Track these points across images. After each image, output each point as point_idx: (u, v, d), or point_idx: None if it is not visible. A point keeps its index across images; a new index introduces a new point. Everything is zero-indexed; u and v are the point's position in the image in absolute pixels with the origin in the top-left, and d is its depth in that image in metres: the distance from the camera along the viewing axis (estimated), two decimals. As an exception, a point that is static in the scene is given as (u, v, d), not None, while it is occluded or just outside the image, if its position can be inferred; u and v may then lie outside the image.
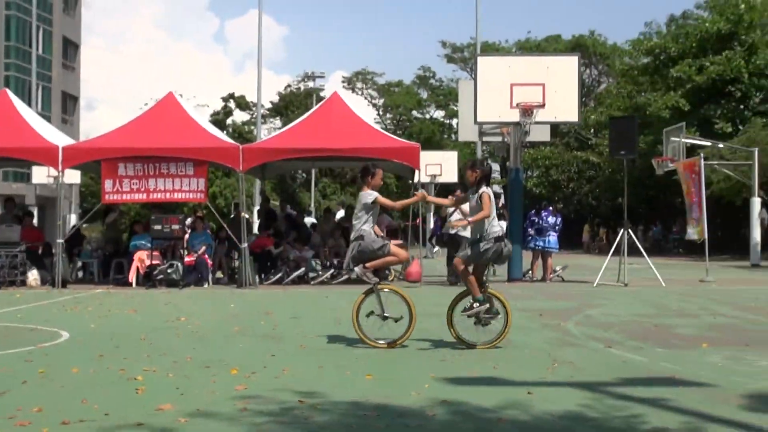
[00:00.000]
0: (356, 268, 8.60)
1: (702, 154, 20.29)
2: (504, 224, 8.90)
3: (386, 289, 8.77)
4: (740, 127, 32.89)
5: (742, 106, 34.68)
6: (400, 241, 8.48)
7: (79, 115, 68.76)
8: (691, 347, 8.49)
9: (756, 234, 26.81)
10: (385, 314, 8.50)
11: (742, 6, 35.58)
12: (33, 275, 17.70)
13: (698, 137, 29.30)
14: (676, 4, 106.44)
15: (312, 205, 52.83)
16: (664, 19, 50.35)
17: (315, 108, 21.36)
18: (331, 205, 51.40)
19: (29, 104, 31.47)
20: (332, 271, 18.49)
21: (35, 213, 32.61)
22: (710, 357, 7.74)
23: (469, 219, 8.53)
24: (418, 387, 6.26)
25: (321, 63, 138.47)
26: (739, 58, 34.61)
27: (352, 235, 8.71)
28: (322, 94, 60.59)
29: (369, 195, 8.60)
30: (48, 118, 41.40)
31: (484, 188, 8.42)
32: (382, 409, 5.54)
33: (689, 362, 7.46)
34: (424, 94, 71.87)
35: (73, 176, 27.69)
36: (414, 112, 71.07)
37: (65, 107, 65.32)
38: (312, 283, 18.11)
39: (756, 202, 26.71)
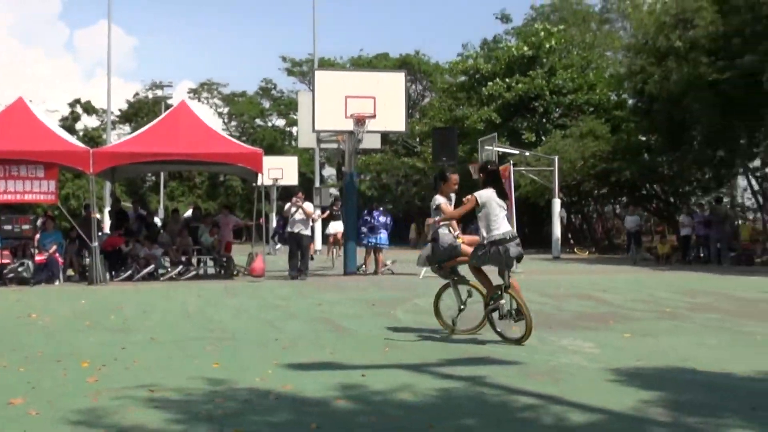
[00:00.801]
0: (430, 267, 8.47)
1: (511, 161, 21.11)
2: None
3: (464, 285, 8.31)
4: (543, 138, 34.47)
5: (544, 120, 36.32)
6: (473, 237, 8.17)
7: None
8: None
9: (557, 230, 28.26)
10: (461, 306, 8.15)
11: (542, 33, 37.34)
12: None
13: (508, 146, 30.48)
14: (489, 29, 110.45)
15: (161, 206, 51.29)
16: (478, 41, 52.03)
17: (163, 115, 20.75)
18: (179, 206, 50.13)
19: None
20: (180, 267, 18.05)
21: None
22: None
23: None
24: (262, 373, 6.19)
25: (169, 73, 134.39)
26: (541, 79, 36.27)
27: (429, 236, 8.41)
28: (170, 101, 58.86)
29: (435, 200, 8.36)
30: None
31: (481, 191, 7.82)
32: (229, 394, 5.45)
33: (503, 344, 7.74)
34: (267, 104, 71.24)
35: None
36: (257, 121, 70.28)
37: None
38: (161, 279, 17.59)
39: (556, 203, 28.11)
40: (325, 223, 27.84)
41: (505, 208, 7.82)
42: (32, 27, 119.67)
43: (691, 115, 25.07)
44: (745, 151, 26.92)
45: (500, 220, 7.71)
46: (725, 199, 28.72)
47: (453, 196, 8.68)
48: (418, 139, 49.19)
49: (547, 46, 37.19)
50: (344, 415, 4.93)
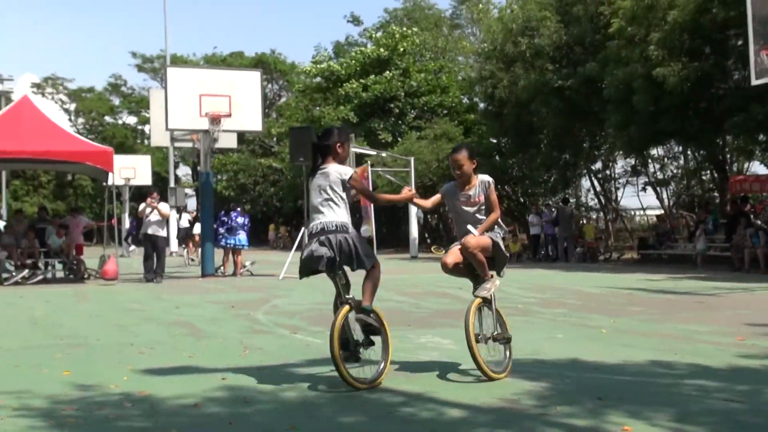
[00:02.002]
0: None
1: (369, 162, 21.32)
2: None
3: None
4: (399, 139, 35.06)
5: (399, 121, 36.94)
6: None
7: None
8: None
9: (414, 230, 28.84)
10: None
11: (397, 35, 37.97)
12: None
13: (366, 147, 30.81)
14: (340, 30, 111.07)
15: (3, 207, 48.46)
16: (329, 43, 52.27)
17: (4, 110, 19.64)
18: (24, 206, 47.55)
19: None
20: (26, 271, 17.16)
21: None
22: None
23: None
24: (117, 380, 5.97)
25: (8, 66, 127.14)
26: (396, 81, 36.86)
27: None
28: (11, 97, 55.74)
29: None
30: None
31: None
32: (81, 403, 5.22)
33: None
34: (117, 101, 68.80)
35: None
36: (107, 118, 67.77)
37: None
38: (5, 284, 16.65)
39: (413, 204, 28.66)
40: (192, 223, 27.22)
41: (327, 192, 5.80)
42: None
43: (538, 119, 26.23)
44: (588, 154, 28.45)
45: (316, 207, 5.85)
46: (571, 200, 30.18)
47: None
48: (275, 139, 48.90)
49: (401, 49, 37.84)
50: (204, 419, 4.83)
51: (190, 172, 63.31)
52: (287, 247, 33.11)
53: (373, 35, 41.06)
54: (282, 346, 7.74)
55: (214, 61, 56.76)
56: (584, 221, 30.83)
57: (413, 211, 28.64)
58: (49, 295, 14.22)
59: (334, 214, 5.75)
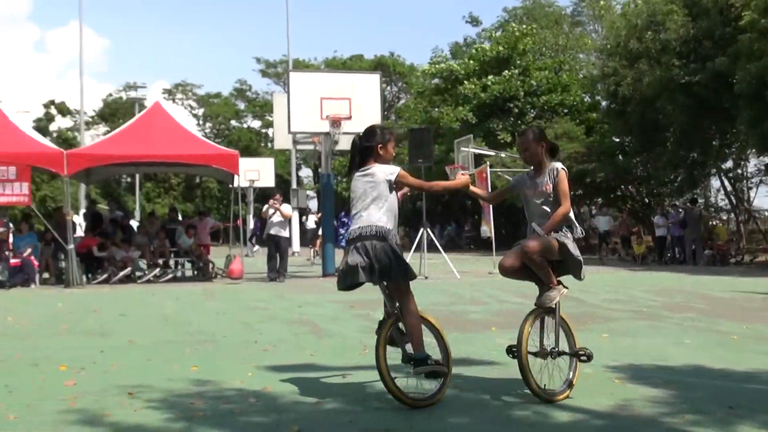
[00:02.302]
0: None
1: (488, 163, 21.16)
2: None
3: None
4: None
5: (519, 121, 36.50)
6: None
7: None
8: (481, 331, 8.85)
9: (533, 231, 28.34)
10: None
11: (517, 33, 37.50)
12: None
13: (485, 147, 30.60)
14: (458, 32, 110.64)
15: (138, 208, 50.92)
16: (447, 44, 52.17)
17: (138, 116, 20.61)
18: (156, 208, 49.78)
19: None
20: (157, 270, 17.94)
21: None
22: (498, 339, 8.07)
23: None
24: (242, 376, 6.16)
25: (142, 73, 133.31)
26: (516, 80, 36.43)
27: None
28: (144, 103, 58.47)
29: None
30: None
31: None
32: (209, 397, 5.41)
33: (480, 344, 7.76)
34: (242, 106, 70.98)
35: None
36: (233, 122, 70.04)
37: None
38: (138, 282, 17.47)
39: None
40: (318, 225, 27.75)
41: (369, 195, 5.29)
42: (1, 28, 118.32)
43: (664, 117, 25.33)
44: (718, 152, 27.24)
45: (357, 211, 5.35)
46: (699, 200, 29.01)
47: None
48: (394, 141, 49.22)
49: (521, 47, 37.37)
50: (325, 416, 4.92)
51: (311, 174, 64.60)
52: (406, 247, 33.32)
53: (492, 35, 40.76)
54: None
55: (335, 65, 57.74)
56: (714, 222, 29.57)
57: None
58: (179, 292, 14.83)
59: (374, 218, 5.21)
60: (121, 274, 17.44)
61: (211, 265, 19.03)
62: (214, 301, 13.17)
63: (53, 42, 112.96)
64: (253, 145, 64.75)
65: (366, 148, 5.40)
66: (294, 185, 37.30)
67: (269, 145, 62.63)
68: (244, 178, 29.58)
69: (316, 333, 8.76)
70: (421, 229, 18.49)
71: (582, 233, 5.54)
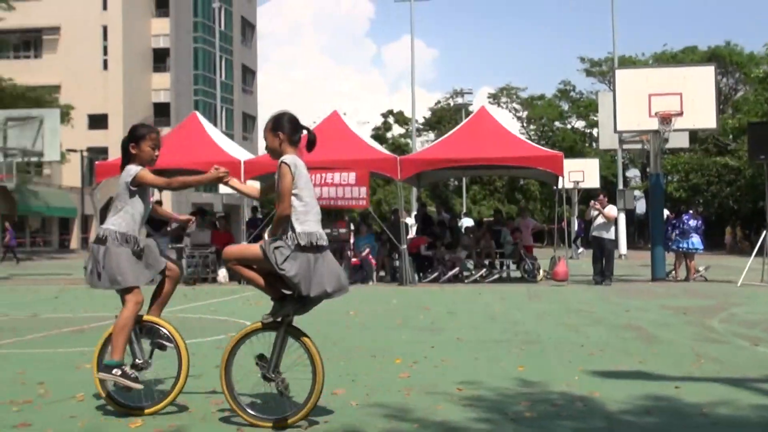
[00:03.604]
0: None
1: None
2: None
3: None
4: None
5: None
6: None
7: (257, 132, 71.79)
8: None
9: None
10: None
11: None
12: (222, 273, 18.48)
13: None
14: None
15: (464, 210, 52.79)
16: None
17: (464, 121, 21.31)
18: (481, 210, 51.17)
19: (215, 124, 32.93)
20: (484, 270, 18.40)
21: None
22: None
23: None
24: (568, 379, 6.09)
25: (468, 80, 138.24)
26: None
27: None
28: (470, 108, 60.42)
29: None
30: (231, 136, 43.36)
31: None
32: (536, 398, 5.42)
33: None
34: (566, 106, 70.47)
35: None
36: (556, 123, 69.84)
37: (245, 126, 68.37)
38: (466, 281, 18.06)
39: None
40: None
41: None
42: (342, 46, 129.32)
43: None
44: None
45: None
46: None
47: None
48: (731, 136, 45.80)
49: None
50: (657, 427, 4.69)
51: (638, 174, 62.27)
52: (746, 251, 30.73)
53: None
54: (741, 358, 7.18)
55: (664, 59, 55.08)
56: None
57: None
58: (504, 292, 15.07)
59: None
60: (450, 273, 18.15)
61: (537, 267, 19.06)
62: (539, 302, 13.19)
63: (388, 56, 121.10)
64: (578, 146, 64.02)
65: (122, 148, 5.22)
66: (620, 186, 36.15)
67: (594, 145, 61.52)
68: (568, 179, 29.26)
69: (644, 339, 8.41)
70: (765, 231, 16.93)
71: None
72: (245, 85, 68.96)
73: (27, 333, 9.23)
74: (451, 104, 70.03)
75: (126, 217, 5.03)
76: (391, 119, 66.94)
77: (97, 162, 20.52)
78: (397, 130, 67.57)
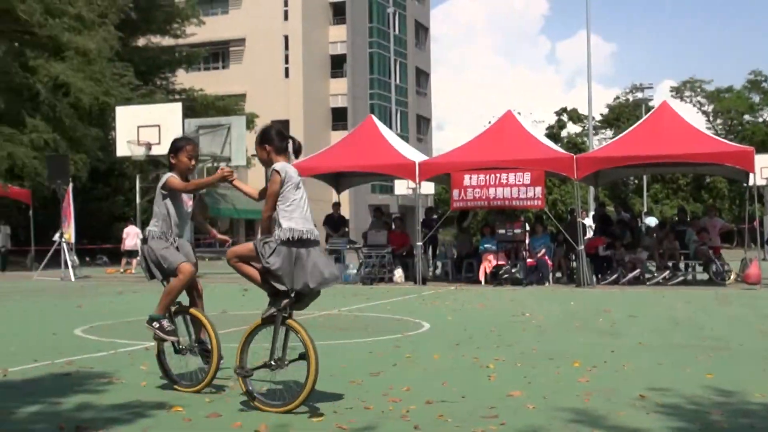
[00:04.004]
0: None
1: None
2: None
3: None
4: None
5: None
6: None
7: (431, 134, 72.54)
8: None
9: None
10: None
11: None
12: (398, 273, 18.77)
13: None
14: None
15: (644, 209, 50.73)
16: None
17: (645, 117, 20.46)
18: (663, 209, 49.04)
19: (390, 127, 33.43)
20: (667, 272, 17.57)
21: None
22: None
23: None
24: (763, 389, 5.67)
25: (648, 75, 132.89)
26: None
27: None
28: (650, 104, 57.99)
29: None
30: (406, 138, 44.00)
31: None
32: (725, 408, 5.10)
33: None
34: (756, 98, 66.13)
35: (427, 187, 29.04)
36: (746, 117, 65.70)
37: (419, 128, 69.20)
38: (648, 284, 17.34)
39: None
40: None
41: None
42: (516, 45, 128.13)
43: None
44: None
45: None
46: None
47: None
48: None
49: None
50: None
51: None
52: None
53: None
54: None
55: None
56: None
57: None
58: (689, 296, 14.34)
59: None
60: (630, 275, 17.48)
61: (727, 269, 17.98)
62: (729, 306, 12.45)
63: (563, 52, 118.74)
64: (770, 139, 59.91)
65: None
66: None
67: (789, 138, 57.37)
68: (760, 175, 27.46)
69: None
70: None
71: None
72: (419, 88, 69.78)
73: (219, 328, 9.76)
74: (630, 100, 67.59)
75: (161, 219, 5.63)
76: (564, 117, 65.44)
77: None
78: (572, 128, 66.03)
